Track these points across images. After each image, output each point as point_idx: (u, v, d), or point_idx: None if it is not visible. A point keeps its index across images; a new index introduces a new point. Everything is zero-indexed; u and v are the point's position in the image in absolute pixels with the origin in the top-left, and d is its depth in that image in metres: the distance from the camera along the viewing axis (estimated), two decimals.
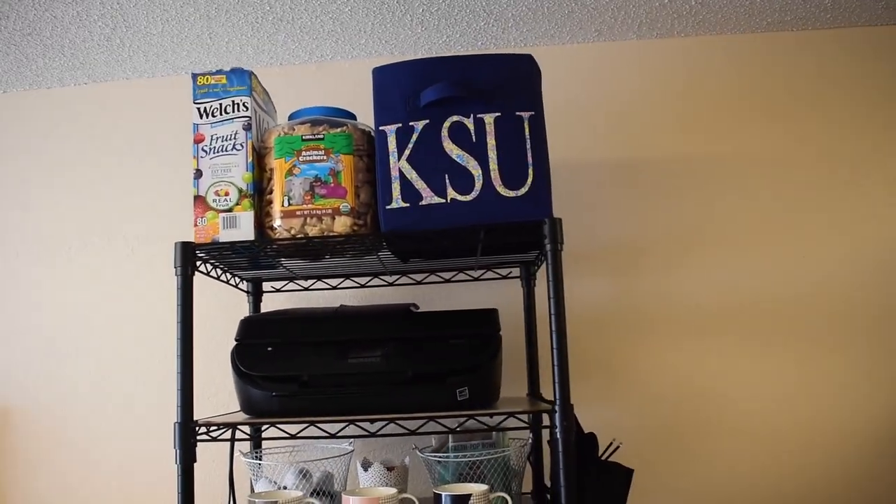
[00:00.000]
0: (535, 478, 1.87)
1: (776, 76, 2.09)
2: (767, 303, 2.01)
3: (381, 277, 1.97)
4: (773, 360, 1.99)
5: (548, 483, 1.84)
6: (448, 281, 1.93)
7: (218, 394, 2.05)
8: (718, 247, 2.04)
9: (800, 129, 2.07)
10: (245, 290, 1.95)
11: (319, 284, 1.98)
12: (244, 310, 2.03)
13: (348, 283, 1.97)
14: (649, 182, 2.07)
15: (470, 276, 1.95)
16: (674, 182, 2.06)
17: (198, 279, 1.97)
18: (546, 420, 1.44)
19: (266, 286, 1.99)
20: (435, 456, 1.65)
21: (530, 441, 1.72)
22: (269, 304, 2.03)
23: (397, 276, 1.97)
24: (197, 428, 1.45)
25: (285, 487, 1.64)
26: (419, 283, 1.94)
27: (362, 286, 1.97)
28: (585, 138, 2.09)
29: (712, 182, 2.06)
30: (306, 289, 1.98)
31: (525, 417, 1.76)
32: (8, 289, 2.14)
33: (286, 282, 1.98)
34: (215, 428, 1.49)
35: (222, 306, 2.07)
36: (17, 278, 2.14)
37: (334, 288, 1.97)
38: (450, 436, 1.71)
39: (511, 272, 1.96)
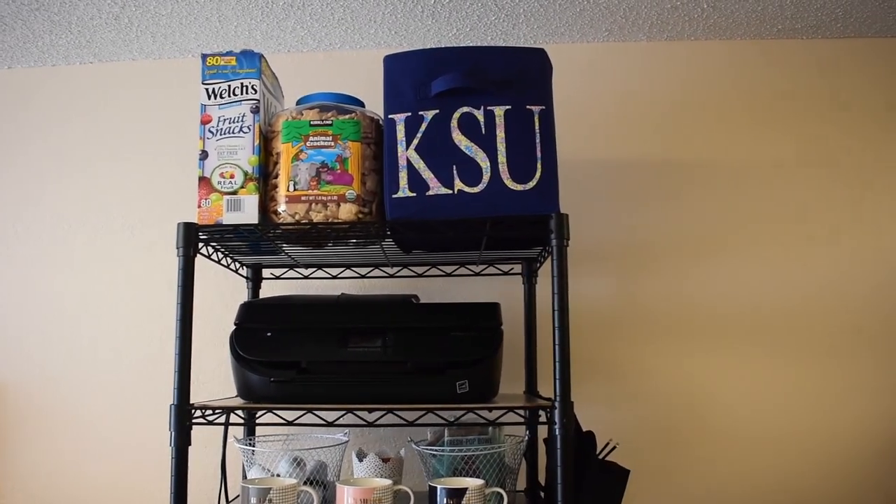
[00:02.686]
0: (529, 476, 1.86)
1: (785, 83, 2.09)
2: (771, 308, 2.00)
3: (382, 269, 1.95)
4: (774, 366, 1.99)
5: (542, 482, 1.82)
6: (449, 275, 1.92)
7: (210, 381, 2.04)
8: (723, 251, 2.03)
9: (809, 137, 2.06)
10: (245, 275, 1.93)
11: (319, 273, 1.97)
12: (241, 298, 2.01)
13: (348, 273, 1.96)
14: (656, 184, 2.06)
15: (471, 270, 1.94)
16: (680, 185, 2.06)
17: (196, 266, 1.95)
18: (543, 419, 1.43)
19: (266, 273, 1.97)
20: (430, 449, 1.64)
21: (527, 438, 1.71)
22: (269, 291, 2.01)
23: (398, 268, 1.96)
24: (193, 411, 1.43)
25: (278, 475, 1.63)
26: (420, 275, 1.93)
27: (362, 276, 1.95)
28: (592, 137, 2.08)
29: (719, 186, 2.05)
30: (306, 277, 1.97)
31: (523, 414, 1.75)
32: (4, 267, 2.12)
33: (286, 269, 1.97)
34: (211, 412, 1.48)
35: (219, 294, 2.06)
36: (14, 257, 2.12)
37: (334, 277, 1.96)
38: (446, 430, 1.70)
39: (513, 268, 1.94)
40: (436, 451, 1.64)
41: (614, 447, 1.67)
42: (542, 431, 1.77)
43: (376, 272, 1.96)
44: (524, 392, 1.91)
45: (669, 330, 2.02)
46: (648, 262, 2.04)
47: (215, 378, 2.04)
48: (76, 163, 2.15)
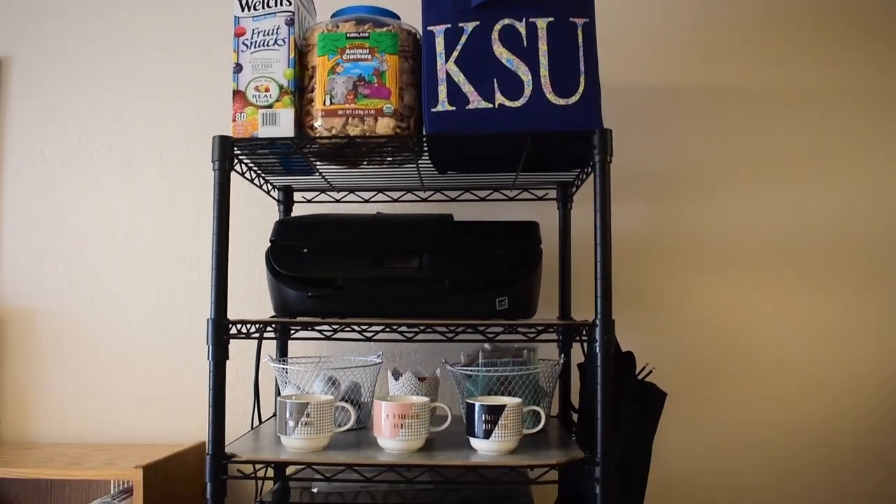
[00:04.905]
0: (561, 401, 1.85)
1: (836, 7, 2.02)
2: (809, 239, 1.97)
3: (415, 193, 1.93)
4: (810, 297, 1.96)
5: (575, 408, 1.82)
6: (483, 199, 1.90)
7: (240, 305, 2.03)
8: (762, 179, 1.99)
9: (853, 64, 2.00)
10: (276, 198, 1.91)
11: (351, 197, 1.94)
12: (272, 224, 1.99)
13: (381, 196, 1.93)
14: (695, 110, 2.01)
15: (505, 195, 1.91)
16: (720, 111, 2.01)
17: None
18: (582, 339, 1.42)
19: (297, 197, 1.95)
20: (465, 369, 1.63)
21: (562, 360, 1.70)
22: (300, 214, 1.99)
23: (431, 193, 1.93)
24: (230, 326, 1.42)
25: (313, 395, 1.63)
26: (453, 200, 1.90)
27: (395, 200, 1.93)
28: (630, 60, 2.03)
29: (761, 113, 2.00)
30: (338, 201, 1.95)
31: (561, 334, 1.74)
32: (33, 191, 2.10)
33: (318, 193, 1.94)
34: (247, 326, 1.47)
35: (250, 219, 2.04)
36: (42, 180, 2.10)
37: (366, 201, 1.93)
38: (480, 352, 1.69)
39: (547, 194, 1.91)
40: (471, 371, 1.63)
41: (651, 371, 1.66)
42: (576, 357, 1.76)
43: (409, 196, 1.93)
44: (557, 318, 1.89)
45: (703, 259, 1.99)
46: (683, 191, 2.00)
47: (246, 302, 2.03)
48: (104, 82, 2.11)
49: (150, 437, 2.03)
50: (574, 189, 1.86)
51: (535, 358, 1.73)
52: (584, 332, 1.45)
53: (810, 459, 1.94)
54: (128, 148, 2.09)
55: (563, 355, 1.73)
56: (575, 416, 1.79)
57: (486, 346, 1.71)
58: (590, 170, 1.59)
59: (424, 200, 1.94)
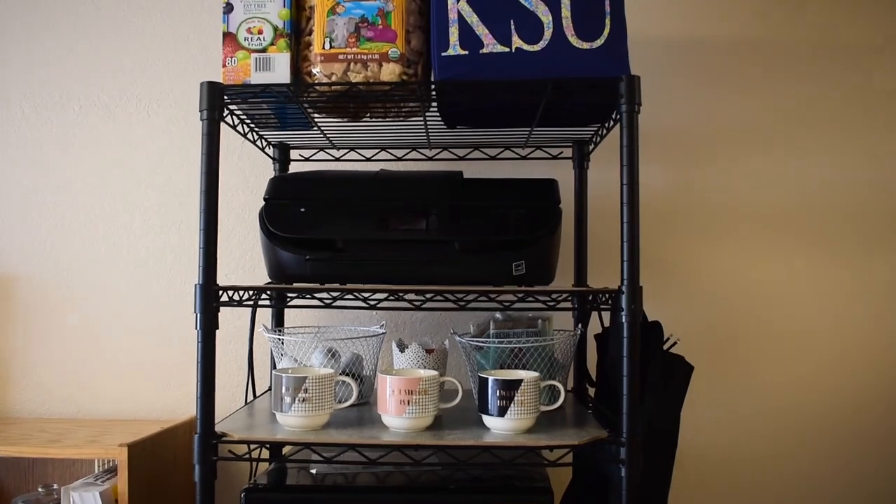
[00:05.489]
0: (577, 374, 1.72)
1: None
2: (839, 206, 1.84)
3: (420, 150, 1.79)
4: (841, 268, 1.84)
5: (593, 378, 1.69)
6: (493, 158, 1.76)
7: (233, 272, 1.90)
8: (790, 142, 1.86)
9: (891, 16, 1.86)
10: (271, 155, 1.78)
11: (352, 155, 1.81)
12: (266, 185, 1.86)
13: (384, 154, 1.80)
14: (721, 66, 1.87)
15: (517, 154, 1.78)
16: (749, 68, 1.87)
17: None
18: (603, 306, 1.29)
19: (294, 155, 1.81)
20: (476, 340, 1.51)
21: (580, 331, 1.57)
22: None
23: (437, 151, 1.79)
24: (220, 292, 1.30)
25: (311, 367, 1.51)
26: (461, 158, 1.77)
27: (399, 159, 1.79)
28: (656, 9, 1.88)
29: (791, 71, 1.86)
30: (338, 159, 1.81)
31: (578, 302, 1.62)
32: (12, 151, 1.95)
33: (316, 151, 1.81)
34: (239, 293, 1.34)
35: (243, 178, 1.91)
36: (23, 140, 1.96)
37: (368, 160, 1.80)
38: (491, 321, 1.56)
39: (562, 152, 1.78)
40: (482, 342, 1.50)
41: (675, 342, 1.53)
42: (593, 327, 1.63)
43: (414, 154, 1.79)
44: (572, 286, 1.76)
45: (726, 225, 1.86)
46: (711, 152, 1.87)
47: (239, 269, 1.91)
48: (82, 32, 1.96)
49: (137, 411, 1.91)
50: (591, 147, 1.72)
51: (551, 328, 1.60)
52: (608, 301, 1.32)
53: (837, 429, 1.84)
54: (112, 104, 1.95)
55: (580, 325, 1.61)
56: (591, 391, 1.67)
57: (498, 315, 1.59)
58: (611, 124, 1.47)
59: (430, 159, 1.80)
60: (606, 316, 1.56)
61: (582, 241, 1.75)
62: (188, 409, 1.88)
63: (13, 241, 1.94)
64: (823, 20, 1.86)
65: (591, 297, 1.38)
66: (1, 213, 1.95)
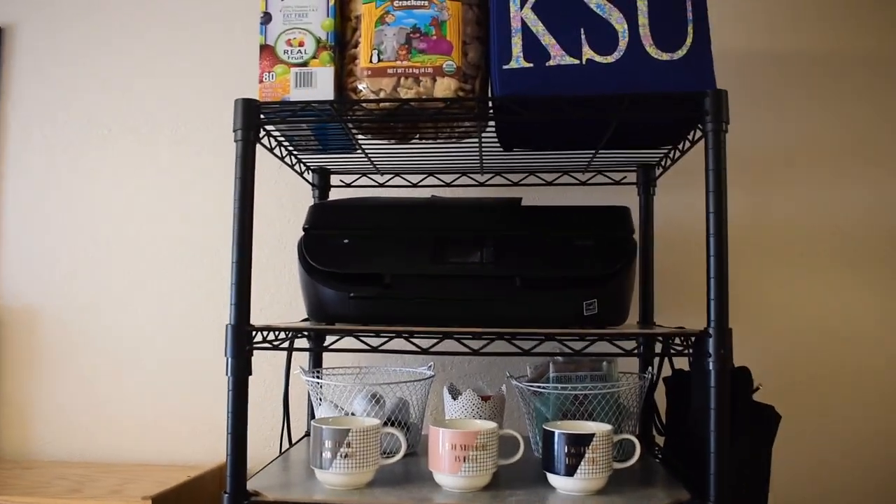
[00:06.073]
0: (643, 421, 1.56)
1: None
2: None
3: (471, 176, 1.65)
4: None
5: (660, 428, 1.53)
6: (550, 184, 1.62)
7: (268, 308, 1.76)
8: (881, 164, 1.68)
9: None
10: (310, 181, 1.64)
11: (397, 181, 1.67)
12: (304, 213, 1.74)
13: (432, 180, 1.66)
14: (804, 81, 1.71)
15: (576, 178, 1.63)
16: (835, 84, 1.70)
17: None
18: (679, 351, 1.13)
19: (334, 180, 1.68)
20: (535, 386, 1.35)
21: (651, 376, 1.41)
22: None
23: (490, 176, 1.65)
24: (253, 333, 1.16)
25: (353, 414, 1.36)
26: (516, 184, 1.63)
27: (447, 185, 1.65)
28: (733, 19, 1.73)
29: (875, 83, 1.70)
30: (382, 185, 1.68)
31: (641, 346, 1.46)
32: (30, 181, 1.84)
33: (358, 176, 1.68)
34: (275, 334, 1.21)
35: (279, 207, 1.77)
36: (47, 167, 1.84)
37: (415, 185, 1.66)
38: (551, 364, 1.41)
39: (625, 177, 1.63)
40: (543, 388, 1.35)
41: (758, 388, 1.36)
42: (664, 370, 1.47)
43: (464, 180, 1.65)
44: (637, 323, 1.61)
45: (803, 254, 1.69)
46: (791, 174, 1.70)
47: (276, 302, 1.77)
48: (113, 55, 1.85)
49: (163, 454, 1.77)
50: (659, 171, 1.57)
51: (616, 370, 1.44)
52: (688, 344, 1.17)
53: None
54: (139, 128, 1.83)
55: (650, 368, 1.45)
56: (657, 437, 1.51)
57: (558, 357, 1.43)
58: (685, 145, 1.32)
59: (482, 185, 1.66)
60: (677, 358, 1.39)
61: (649, 274, 1.60)
62: (217, 453, 1.74)
63: (35, 273, 1.82)
64: None
65: (673, 340, 1.22)
66: (23, 243, 1.83)
